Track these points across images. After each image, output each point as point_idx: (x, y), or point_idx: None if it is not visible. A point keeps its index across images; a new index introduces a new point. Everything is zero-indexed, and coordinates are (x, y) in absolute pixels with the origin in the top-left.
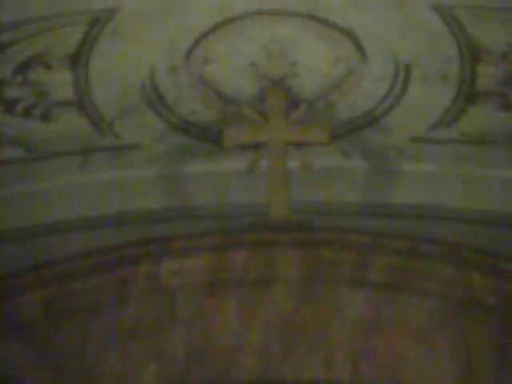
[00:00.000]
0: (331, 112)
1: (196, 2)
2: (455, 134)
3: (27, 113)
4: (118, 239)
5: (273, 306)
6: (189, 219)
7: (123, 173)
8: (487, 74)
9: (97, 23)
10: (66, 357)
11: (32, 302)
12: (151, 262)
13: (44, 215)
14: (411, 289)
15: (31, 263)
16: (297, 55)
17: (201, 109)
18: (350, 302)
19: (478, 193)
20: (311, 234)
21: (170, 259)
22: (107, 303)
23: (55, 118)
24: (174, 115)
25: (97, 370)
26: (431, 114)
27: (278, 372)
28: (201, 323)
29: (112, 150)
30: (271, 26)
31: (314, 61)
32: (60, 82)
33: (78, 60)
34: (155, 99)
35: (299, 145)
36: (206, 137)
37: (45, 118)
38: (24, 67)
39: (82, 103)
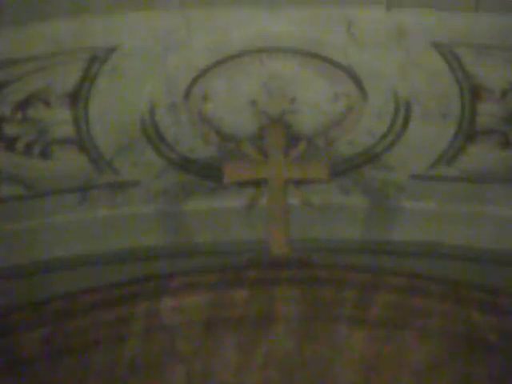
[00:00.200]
0: (331, 149)
1: (195, 40)
2: (455, 172)
3: (27, 150)
4: (117, 276)
5: (273, 344)
6: (189, 256)
7: (122, 210)
8: (487, 112)
9: (96, 61)
10: None
11: (31, 339)
12: (151, 300)
13: (43, 252)
14: (411, 326)
15: (30, 300)
16: (296, 92)
17: (200, 146)
18: (351, 340)
19: (478, 230)
20: (311, 272)
21: (169, 296)
22: (106, 341)
23: (54, 155)
24: (174, 152)
25: None
26: (431, 152)
27: None
28: (201, 361)
29: (111, 186)
30: (270, 64)
31: (313, 98)
32: (59, 119)
33: (77, 98)
34: (154, 136)
35: (299, 182)
36: (206, 174)
37: (44, 155)
38: (23, 105)
39: (82, 140)
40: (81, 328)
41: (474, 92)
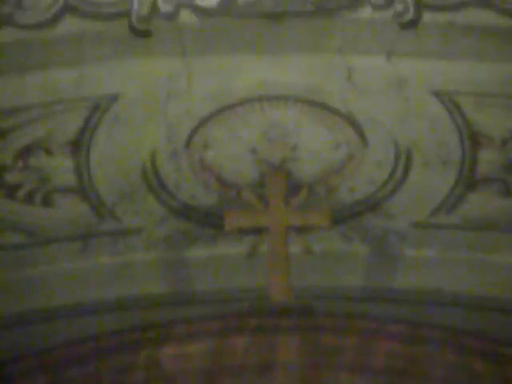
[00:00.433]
0: (332, 196)
1: (196, 88)
2: (456, 220)
3: (28, 198)
4: (118, 324)
5: None
6: (190, 304)
7: (124, 257)
8: (488, 160)
9: (97, 109)
10: None
11: None
12: (152, 348)
13: (45, 300)
14: (413, 374)
15: (31, 349)
16: (297, 140)
17: (201, 193)
18: None
19: (479, 278)
20: (312, 320)
21: (170, 344)
22: None
23: (56, 203)
24: (175, 199)
25: None
26: (432, 199)
27: None
28: None
29: (112, 234)
30: (271, 112)
31: (314, 145)
32: (61, 167)
33: (78, 146)
34: (156, 184)
35: (300, 229)
36: (207, 221)
37: (46, 203)
38: (25, 153)
39: (83, 188)
40: (82, 376)
41: (474, 140)
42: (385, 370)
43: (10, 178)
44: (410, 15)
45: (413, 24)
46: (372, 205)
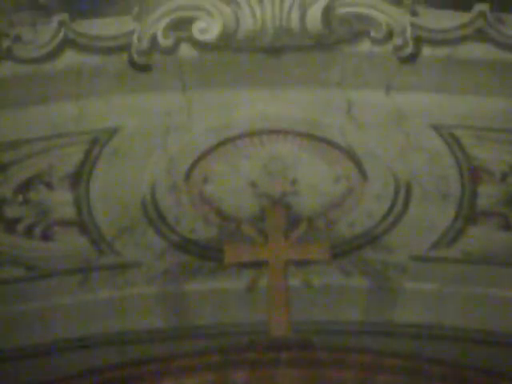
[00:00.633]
0: (331, 230)
1: (196, 122)
2: (456, 254)
3: (28, 232)
4: (117, 358)
5: None
6: (189, 338)
7: (123, 291)
8: (488, 194)
9: (97, 143)
10: None
11: None
12: (151, 382)
13: (43, 335)
14: None
15: (31, 383)
16: (297, 173)
17: (201, 227)
18: None
19: (479, 312)
20: (312, 354)
21: (170, 378)
22: None
23: (56, 236)
24: (174, 233)
25: None
26: (431, 233)
27: None
28: None
29: (112, 268)
30: (271, 145)
31: (313, 179)
32: (61, 201)
33: (78, 179)
34: (155, 217)
35: (300, 263)
36: (207, 255)
37: (45, 237)
38: (25, 187)
39: (83, 222)
40: None
41: (474, 174)
42: None
43: (10, 211)
44: (409, 49)
45: (412, 58)
46: (371, 238)
